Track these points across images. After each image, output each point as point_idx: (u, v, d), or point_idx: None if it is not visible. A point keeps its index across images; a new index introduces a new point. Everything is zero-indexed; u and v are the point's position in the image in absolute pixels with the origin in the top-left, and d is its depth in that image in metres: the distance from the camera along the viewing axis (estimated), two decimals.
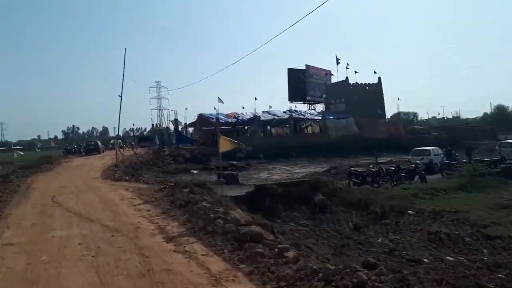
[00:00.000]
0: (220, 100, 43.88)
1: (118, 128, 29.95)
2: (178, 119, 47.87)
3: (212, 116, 43.34)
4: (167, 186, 12.38)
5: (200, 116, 44.98)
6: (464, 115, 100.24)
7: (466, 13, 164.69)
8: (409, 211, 13.25)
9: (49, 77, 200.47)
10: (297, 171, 28.37)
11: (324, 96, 47.28)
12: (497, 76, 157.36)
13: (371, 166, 18.88)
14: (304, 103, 60.81)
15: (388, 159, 36.44)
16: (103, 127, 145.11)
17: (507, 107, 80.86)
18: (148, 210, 9.42)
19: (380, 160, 35.06)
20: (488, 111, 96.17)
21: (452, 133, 49.87)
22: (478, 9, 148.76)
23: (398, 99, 54.35)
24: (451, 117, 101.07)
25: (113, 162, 25.56)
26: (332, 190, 14.89)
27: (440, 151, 23.89)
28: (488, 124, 68.42)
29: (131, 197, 11.72)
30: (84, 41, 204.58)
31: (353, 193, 14.78)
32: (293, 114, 46.24)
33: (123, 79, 24.38)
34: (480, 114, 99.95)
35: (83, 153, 37.61)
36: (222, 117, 42.75)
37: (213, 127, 44.36)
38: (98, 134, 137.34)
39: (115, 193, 12.76)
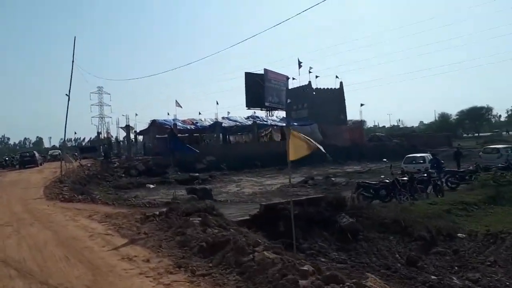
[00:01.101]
0: (178, 104, 40.00)
1: (65, 135, 24.73)
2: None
3: (167, 123, 38.98)
4: (157, 214, 8.61)
5: (154, 122, 40.37)
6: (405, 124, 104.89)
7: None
8: (459, 234, 10.68)
9: None
10: (268, 183, 25.95)
11: (288, 101, 44.89)
12: (436, 85, 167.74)
13: (382, 176, 16.27)
14: (261, 110, 58.01)
15: (355, 167, 35.13)
16: (37, 137, 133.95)
17: (450, 115, 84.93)
18: (147, 260, 5.79)
19: (348, 169, 33.61)
20: (425, 120, 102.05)
21: (411, 140, 50.44)
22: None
23: (361, 105, 52.90)
24: (394, 125, 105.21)
25: (56, 176, 21.23)
26: (355, 208, 11.95)
27: (431, 158, 21.91)
28: (434, 131, 70.99)
29: (104, 231, 7.91)
30: (14, 38, 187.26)
31: (381, 212, 11.93)
32: (256, 121, 43.17)
33: (71, 74, 19.89)
34: (416, 123, 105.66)
35: (17, 166, 32.40)
36: (179, 124, 38.63)
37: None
38: (31, 145, 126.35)
39: (76, 224, 8.82)
